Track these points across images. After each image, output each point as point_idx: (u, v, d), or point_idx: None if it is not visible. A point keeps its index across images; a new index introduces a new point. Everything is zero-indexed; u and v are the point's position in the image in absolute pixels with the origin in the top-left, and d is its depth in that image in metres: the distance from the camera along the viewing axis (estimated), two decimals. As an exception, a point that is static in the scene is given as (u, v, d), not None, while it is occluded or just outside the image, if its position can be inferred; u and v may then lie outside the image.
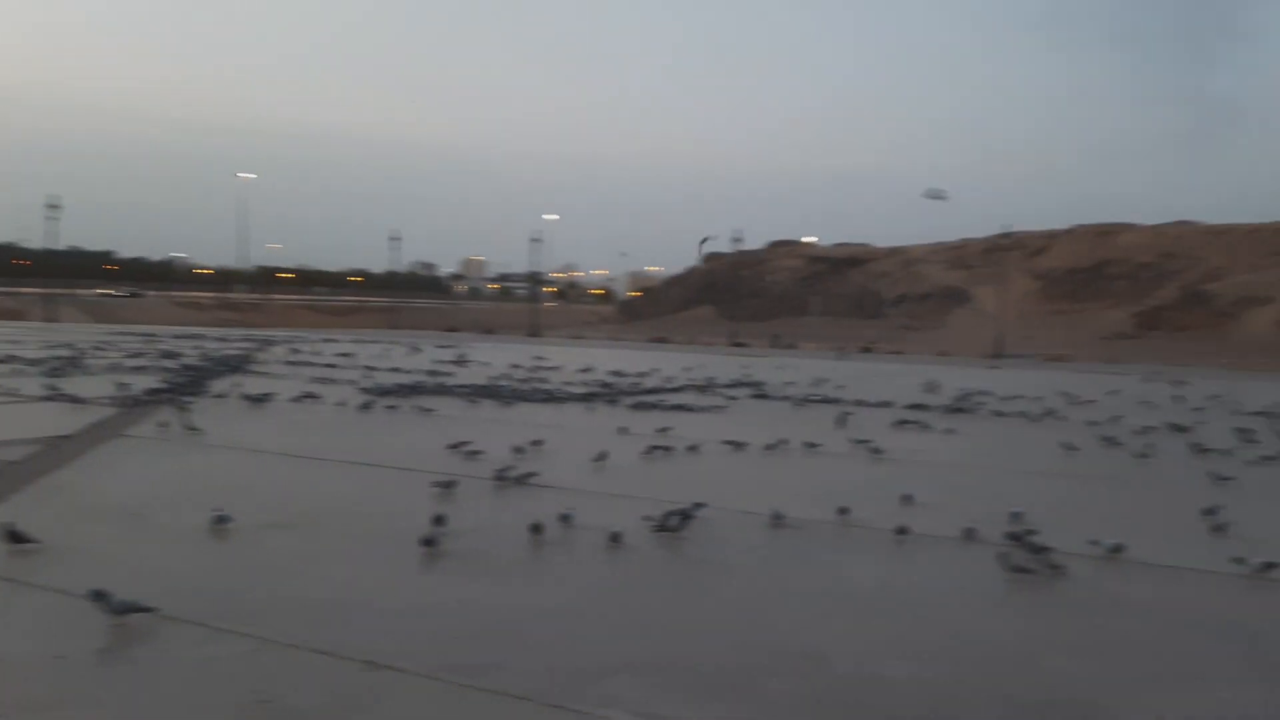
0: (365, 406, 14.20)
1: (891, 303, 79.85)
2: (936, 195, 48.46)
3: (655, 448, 10.70)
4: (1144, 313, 67.40)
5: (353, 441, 11.02)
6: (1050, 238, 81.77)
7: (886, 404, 16.85)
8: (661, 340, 55.90)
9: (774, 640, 4.92)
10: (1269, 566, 6.34)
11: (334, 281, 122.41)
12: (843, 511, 7.61)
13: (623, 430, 12.26)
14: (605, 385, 18.65)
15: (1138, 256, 74.89)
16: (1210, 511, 7.75)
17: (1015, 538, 6.85)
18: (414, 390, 16.61)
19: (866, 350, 50.14)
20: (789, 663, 4.59)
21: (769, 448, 11.15)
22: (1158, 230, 77.75)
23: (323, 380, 17.96)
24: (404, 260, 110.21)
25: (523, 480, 8.68)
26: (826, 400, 17.42)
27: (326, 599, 5.31)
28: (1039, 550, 6.46)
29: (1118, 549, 6.73)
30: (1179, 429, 13.95)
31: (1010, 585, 6.06)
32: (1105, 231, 79.71)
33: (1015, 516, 7.34)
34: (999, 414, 15.92)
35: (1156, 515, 8.56)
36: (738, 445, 11.12)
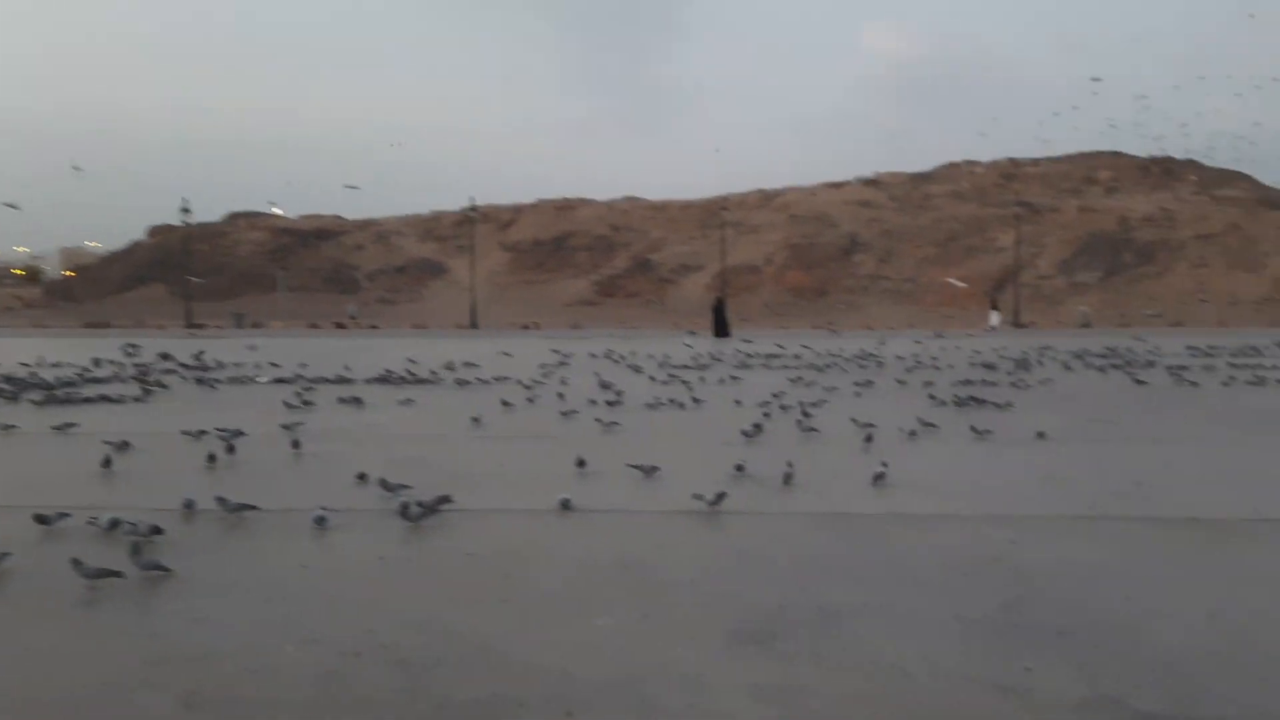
0: None
1: (367, 276, 77.75)
2: (352, 187, 49.47)
3: None
4: (601, 281, 73.02)
5: None
6: (517, 211, 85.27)
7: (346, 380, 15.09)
8: (100, 326, 48.23)
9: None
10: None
11: None
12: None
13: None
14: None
15: (595, 229, 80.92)
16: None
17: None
18: None
19: (340, 326, 47.71)
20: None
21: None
22: (610, 205, 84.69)
23: None
24: None
25: None
26: (283, 380, 15.18)
27: None
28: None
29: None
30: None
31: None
32: (566, 206, 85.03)
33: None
34: (463, 382, 14.93)
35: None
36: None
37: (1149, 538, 5.40)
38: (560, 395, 12.74)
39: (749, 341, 29.14)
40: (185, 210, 46.82)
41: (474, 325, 47.26)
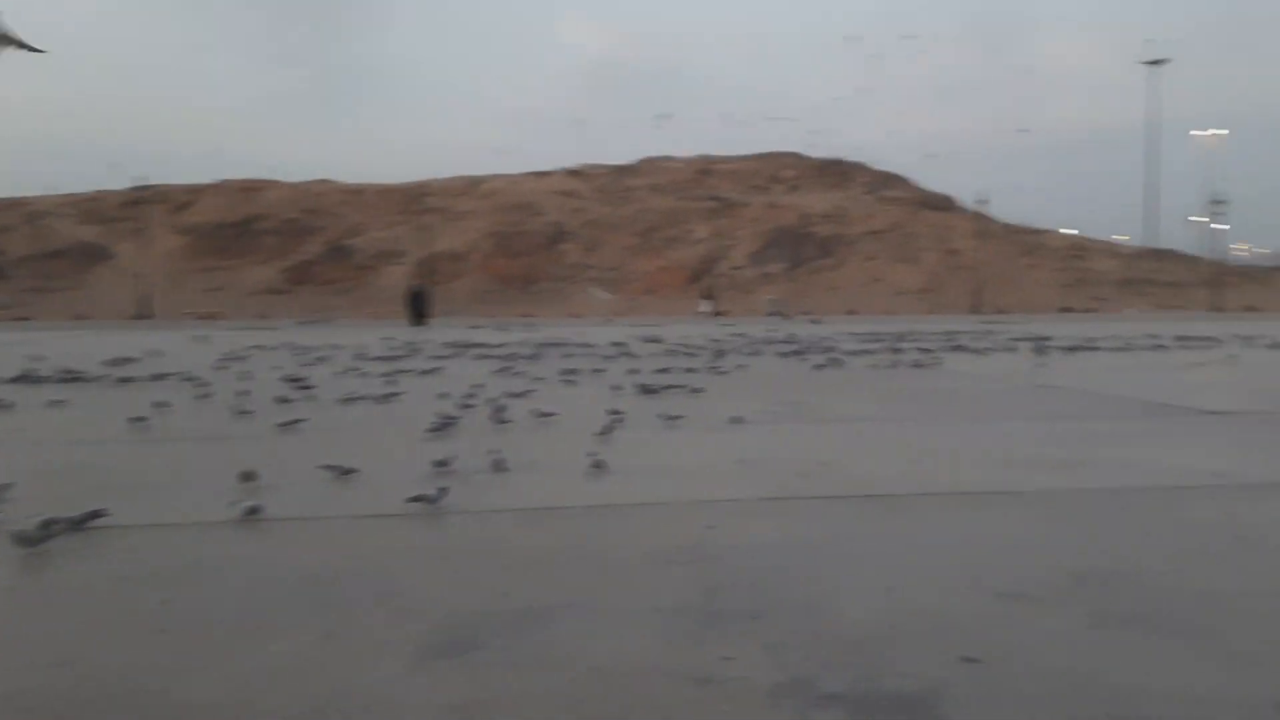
0: None
1: (16, 262, 68.71)
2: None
3: None
4: (292, 267, 69.10)
5: None
6: (195, 192, 78.80)
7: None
8: None
9: None
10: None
11: None
12: None
13: None
14: None
15: (284, 213, 76.39)
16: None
17: None
18: None
19: (-19, 317, 41.81)
20: None
21: None
22: (301, 188, 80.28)
23: None
24: None
25: None
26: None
27: None
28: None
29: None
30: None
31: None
32: (251, 188, 79.62)
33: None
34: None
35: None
36: None
37: (834, 515, 5.68)
38: (242, 393, 11.71)
39: (441, 330, 28.59)
40: None
41: (145, 315, 43.03)
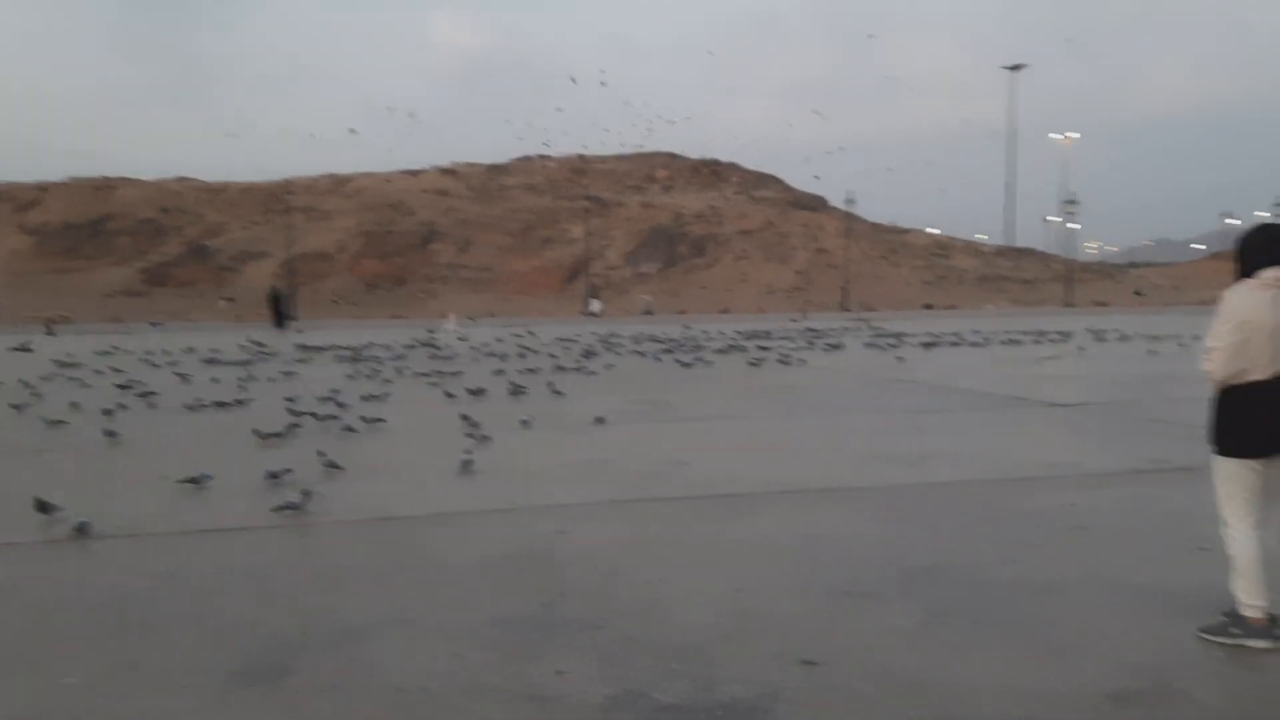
0: None
1: None
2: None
3: None
4: (150, 269, 65.78)
5: None
6: (43, 190, 74.16)
7: None
8: None
9: None
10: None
11: None
12: None
13: None
14: None
15: (140, 212, 72.61)
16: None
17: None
18: None
19: None
20: None
21: None
22: (159, 186, 76.52)
23: None
24: None
25: None
26: None
27: None
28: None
29: None
30: None
31: None
32: (104, 186, 75.45)
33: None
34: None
35: None
36: None
37: (681, 516, 5.60)
38: (73, 404, 10.91)
39: (302, 333, 27.62)
40: None
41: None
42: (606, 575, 4.46)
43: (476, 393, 11.72)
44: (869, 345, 20.80)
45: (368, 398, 11.12)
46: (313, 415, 9.47)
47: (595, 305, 45.38)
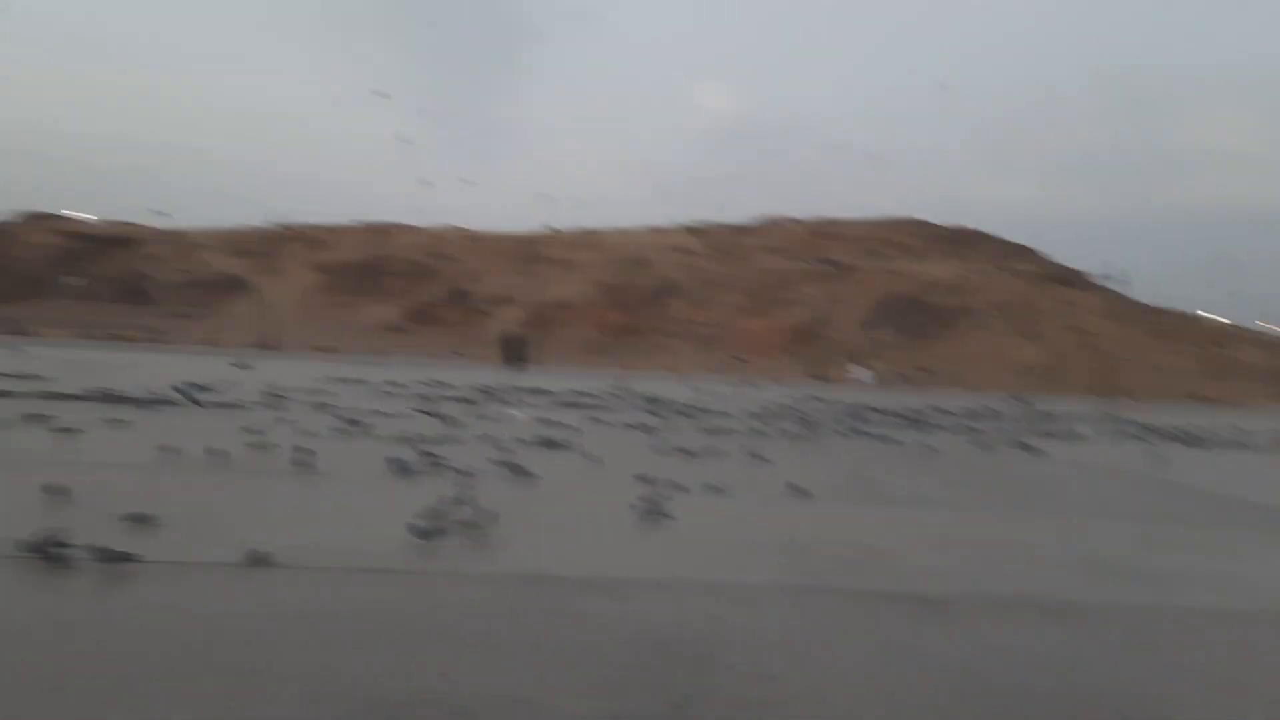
0: None
1: (164, 288, 72.62)
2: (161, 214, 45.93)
3: None
4: (413, 308, 70.94)
5: None
6: (333, 232, 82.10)
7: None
8: None
9: None
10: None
11: None
12: None
13: None
14: None
15: (412, 255, 78.75)
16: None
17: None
18: None
19: (118, 337, 44.00)
20: None
21: None
22: (431, 233, 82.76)
23: None
24: None
25: None
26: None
27: None
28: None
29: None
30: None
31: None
32: (384, 230, 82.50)
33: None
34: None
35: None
36: None
37: (867, 616, 4.88)
38: (295, 426, 11.47)
39: (531, 375, 28.39)
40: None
41: (270, 346, 44.53)
42: (758, 679, 3.85)
43: (684, 451, 11.34)
44: (1124, 437, 18.75)
45: (561, 445, 11.00)
46: (507, 463, 9.32)
47: (859, 372, 43.58)
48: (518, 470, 8.67)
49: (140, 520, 5.70)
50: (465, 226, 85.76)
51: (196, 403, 13.63)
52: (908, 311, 65.73)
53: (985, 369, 57.39)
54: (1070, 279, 73.74)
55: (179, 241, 79.24)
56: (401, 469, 8.40)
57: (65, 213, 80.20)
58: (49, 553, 4.87)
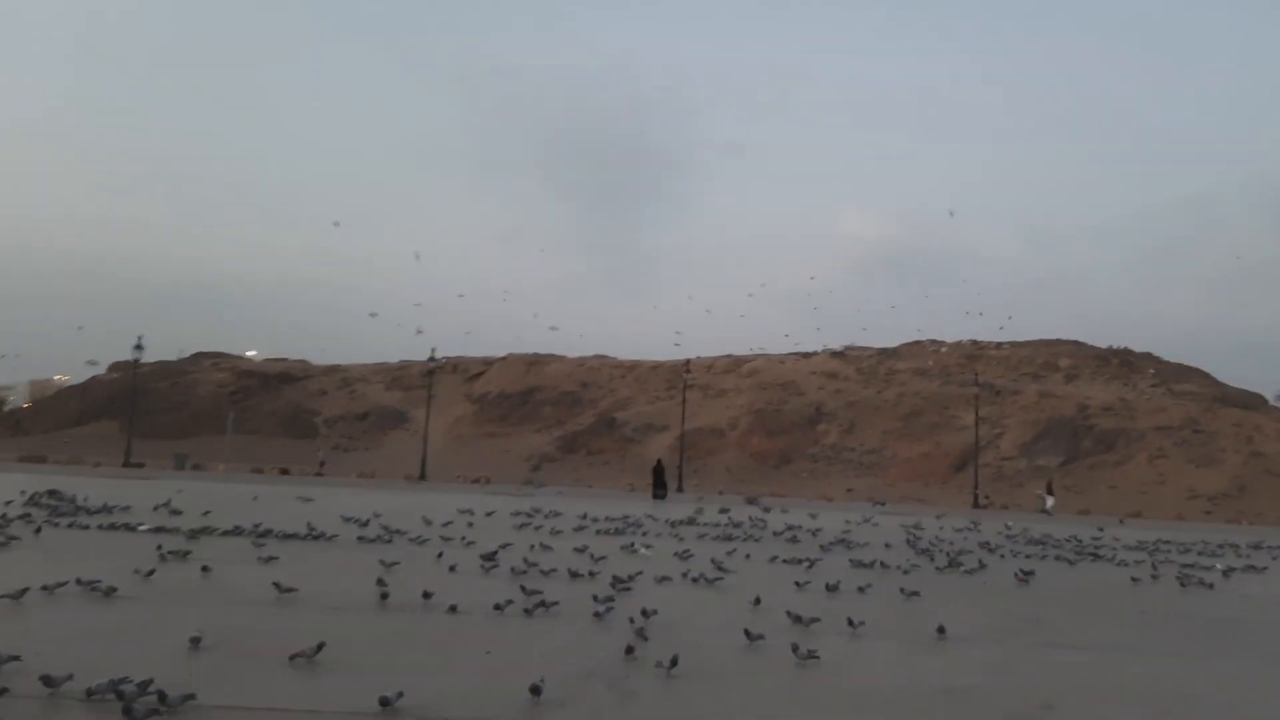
0: None
1: (326, 422, 76.86)
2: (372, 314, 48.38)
3: None
4: (564, 437, 72.40)
5: None
6: (487, 363, 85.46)
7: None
8: (35, 460, 46.80)
9: None
10: None
11: None
12: None
13: None
14: None
15: (563, 385, 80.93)
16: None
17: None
18: None
19: (285, 472, 46.55)
20: None
21: None
22: (580, 362, 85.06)
23: None
24: None
25: None
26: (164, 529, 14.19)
27: None
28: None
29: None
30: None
31: None
32: (536, 361, 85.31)
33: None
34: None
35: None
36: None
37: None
38: (440, 557, 11.83)
39: (679, 504, 28.30)
40: (138, 347, 46.26)
41: (422, 477, 46.18)
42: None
43: (832, 588, 11.11)
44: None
45: (698, 579, 11.03)
46: (608, 597, 9.20)
47: (1049, 502, 41.50)
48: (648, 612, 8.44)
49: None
50: (614, 355, 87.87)
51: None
52: (1068, 435, 62.74)
53: (1157, 495, 53.87)
54: (1246, 401, 69.09)
55: (341, 376, 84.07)
56: (536, 605, 8.57)
57: (233, 352, 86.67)
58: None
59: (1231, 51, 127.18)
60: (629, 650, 6.87)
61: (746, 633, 7.64)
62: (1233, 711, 6.28)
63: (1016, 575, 13.26)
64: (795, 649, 7.11)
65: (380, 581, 9.41)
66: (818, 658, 6.99)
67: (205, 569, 10.24)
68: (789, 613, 8.71)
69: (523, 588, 9.11)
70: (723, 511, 25.07)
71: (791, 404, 72.37)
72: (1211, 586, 13.80)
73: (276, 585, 8.90)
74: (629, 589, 10.11)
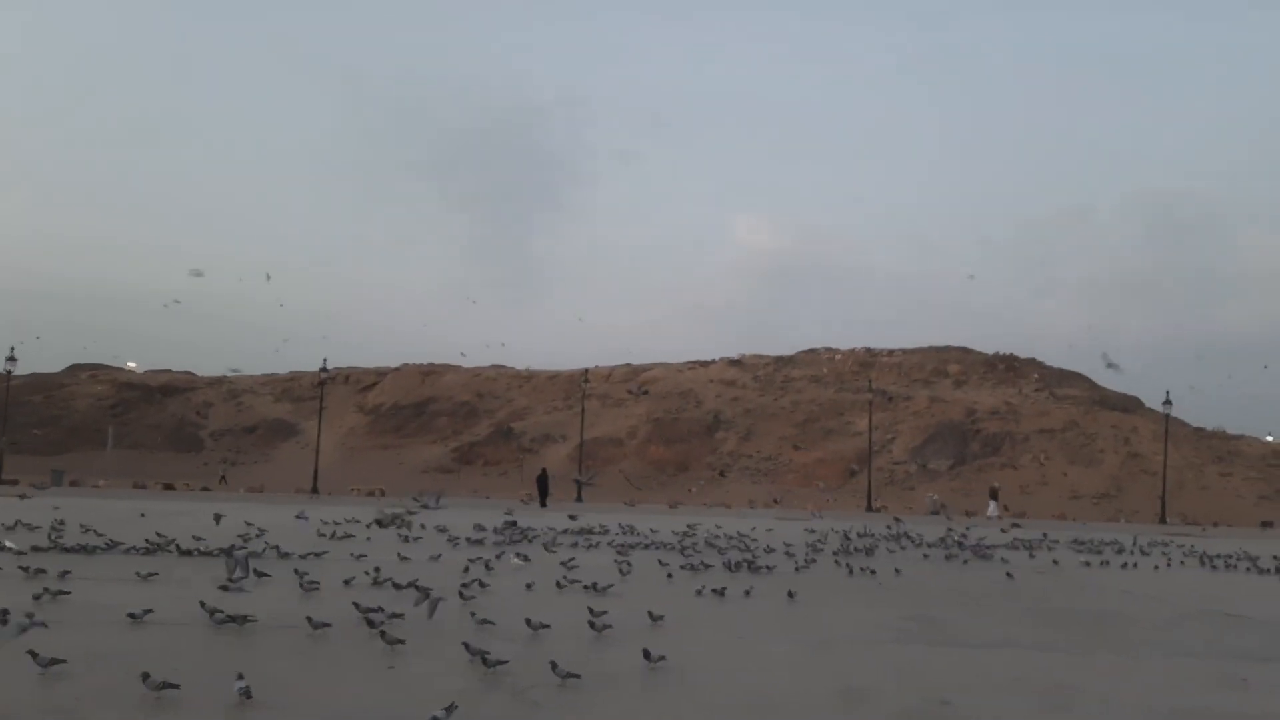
0: None
1: (212, 435, 74.18)
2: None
3: None
4: (460, 448, 71.45)
5: None
6: (380, 374, 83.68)
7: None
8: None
9: None
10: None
11: None
12: None
13: None
14: None
15: (458, 395, 79.79)
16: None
17: None
18: None
19: (169, 487, 44.68)
20: None
21: None
22: (475, 372, 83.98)
23: None
24: None
25: None
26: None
27: None
28: None
29: None
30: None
31: None
32: (430, 371, 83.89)
33: None
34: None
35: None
36: None
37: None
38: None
39: (573, 518, 28.19)
40: (10, 359, 43.77)
41: (314, 490, 44.92)
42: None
43: (718, 592, 10.99)
44: (1188, 565, 18.13)
45: (590, 587, 10.92)
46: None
47: (992, 507, 42.07)
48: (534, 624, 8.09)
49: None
50: (510, 365, 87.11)
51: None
52: (957, 439, 64.88)
53: (1041, 495, 56.11)
54: (1123, 404, 72.57)
55: (227, 388, 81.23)
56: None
57: (127, 365, 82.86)
58: None
59: (1110, 71, 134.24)
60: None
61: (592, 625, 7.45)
62: (1112, 700, 6.48)
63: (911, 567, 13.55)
64: (647, 654, 6.80)
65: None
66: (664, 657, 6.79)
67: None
68: (649, 613, 8.65)
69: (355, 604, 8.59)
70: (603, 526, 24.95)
71: (689, 412, 72.94)
72: (1098, 581, 14.37)
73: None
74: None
